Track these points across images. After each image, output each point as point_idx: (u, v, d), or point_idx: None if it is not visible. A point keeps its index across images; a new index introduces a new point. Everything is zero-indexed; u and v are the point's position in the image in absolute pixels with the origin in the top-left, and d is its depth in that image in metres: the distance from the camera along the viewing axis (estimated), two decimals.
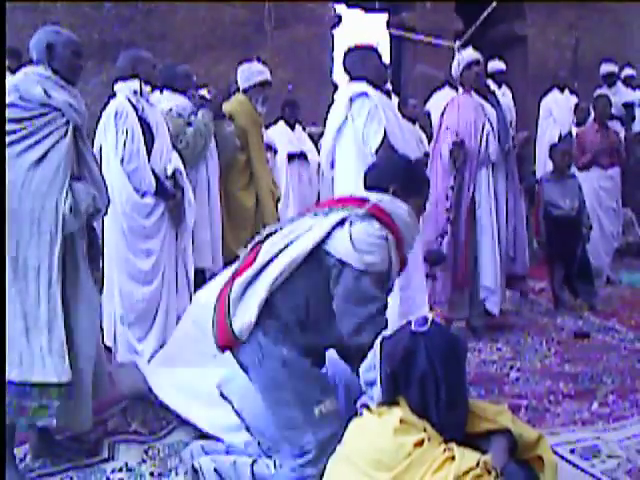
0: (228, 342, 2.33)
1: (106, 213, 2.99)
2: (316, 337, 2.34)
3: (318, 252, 2.29)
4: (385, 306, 2.32)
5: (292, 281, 2.29)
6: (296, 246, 2.32)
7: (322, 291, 2.30)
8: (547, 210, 5.22)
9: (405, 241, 2.40)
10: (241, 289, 2.32)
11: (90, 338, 2.77)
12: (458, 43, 4.29)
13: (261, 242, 2.46)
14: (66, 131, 2.70)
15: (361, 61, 3.54)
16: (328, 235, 2.30)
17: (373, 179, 2.49)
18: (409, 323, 2.11)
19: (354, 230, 2.28)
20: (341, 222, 2.32)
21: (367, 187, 2.49)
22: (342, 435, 2.10)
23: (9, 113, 2.61)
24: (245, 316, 2.28)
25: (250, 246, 2.49)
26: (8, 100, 2.62)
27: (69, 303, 2.70)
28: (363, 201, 2.38)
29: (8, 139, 2.60)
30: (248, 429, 2.51)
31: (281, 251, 2.33)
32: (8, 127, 2.60)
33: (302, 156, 6.01)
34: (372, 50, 3.59)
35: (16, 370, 2.57)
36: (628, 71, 7.90)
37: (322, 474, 2.12)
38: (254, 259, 2.37)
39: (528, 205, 5.87)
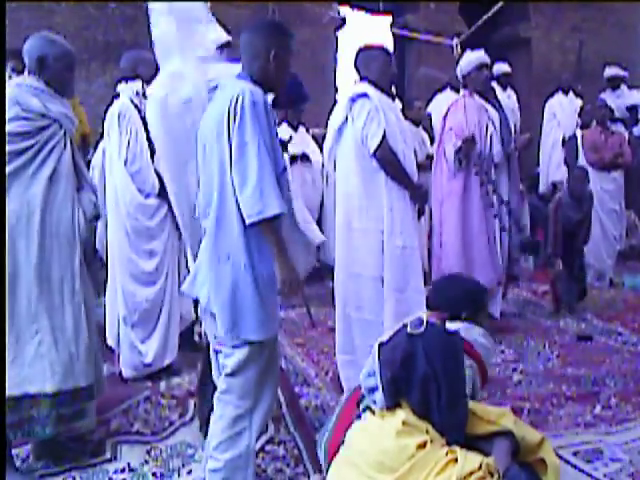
0: None
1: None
2: None
3: None
4: None
5: None
6: None
7: None
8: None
9: (486, 363, 2.45)
10: None
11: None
12: (456, 40, 4.25)
13: None
14: (65, 142, 2.73)
15: (367, 62, 3.52)
16: None
17: (443, 308, 2.48)
18: (404, 326, 2.10)
19: None
20: None
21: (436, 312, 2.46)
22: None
23: (16, 127, 2.59)
24: None
25: None
26: (12, 114, 2.60)
27: None
28: None
29: (24, 158, 2.60)
30: None
31: None
32: (20, 145, 2.60)
33: (305, 157, 6.01)
34: (381, 51, 3.57)
35: (49, 382, 2.60)
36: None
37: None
38: None
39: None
